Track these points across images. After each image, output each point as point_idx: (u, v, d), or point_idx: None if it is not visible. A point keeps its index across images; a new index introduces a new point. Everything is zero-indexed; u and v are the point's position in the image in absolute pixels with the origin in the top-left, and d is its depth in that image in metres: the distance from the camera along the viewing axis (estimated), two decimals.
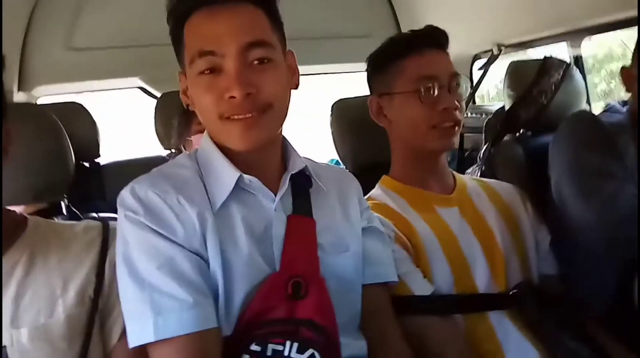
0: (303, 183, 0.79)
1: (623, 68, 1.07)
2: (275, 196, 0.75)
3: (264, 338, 0.67)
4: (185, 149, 1.53)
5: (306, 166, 0.79)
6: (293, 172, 0.78)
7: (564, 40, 1.70)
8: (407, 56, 0.99)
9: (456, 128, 0.99)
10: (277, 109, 0.71)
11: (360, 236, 0.83)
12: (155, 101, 1.85)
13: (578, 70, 1.55)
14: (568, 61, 1.51)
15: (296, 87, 0.77)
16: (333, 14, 1.99)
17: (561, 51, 1.73)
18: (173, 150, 1.66)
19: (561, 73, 1.43)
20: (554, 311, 0.92)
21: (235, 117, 0.68)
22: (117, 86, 2.35)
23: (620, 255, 0.97)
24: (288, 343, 0.66)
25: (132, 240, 0.66)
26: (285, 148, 0.81)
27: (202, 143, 0.79)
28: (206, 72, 0.68)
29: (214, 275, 0.68)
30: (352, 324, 0.79)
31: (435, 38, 1.01)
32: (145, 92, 2.30)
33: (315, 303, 0.71)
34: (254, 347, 0.66)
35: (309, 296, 0.71)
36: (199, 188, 0.72)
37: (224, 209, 0.72)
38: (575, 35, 1.63)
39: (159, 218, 0.67)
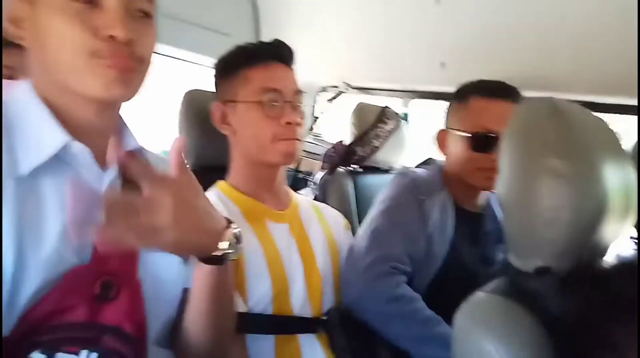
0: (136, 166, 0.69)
1: (441, 131, 1.23)
2: (104, 173, 0.63)
3: (52, 344, 0.54)
4: None
5: (142, 147, 0.70)
6: (127, 149, 0.67)
7: (398, 97, 1.95)
8: (253, 66, 0.99)
9: (297, 144, 1.00)
10: (145, 68, 0.63)
11: None
12: None
13: (406, 124, 1.79)
14: (401, 114, 1.72)
15: None
16: (200, 2, 1.88)
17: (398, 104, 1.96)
18: None
19: (394, 124, 1.63)
20: (361, 338, 0.98)
21: (110, 60, 0.57)
22: None
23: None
24: (84, 352, 0.55)
25: None
26: (121, 121, 0.70)
27: (18, 92, 0.62)
28: (77, 0, 0.56)
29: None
30: (164, 332, 0.71)
31: (282, 53, 1.02)
32: None
33: (126, 308, 0.61)
34: (36, 355, 0.53)
35: (119, 299, 0.61)
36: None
37: (31, 179, 0.57)
38: (405, 94, 1.88)
39: None
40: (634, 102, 1.19)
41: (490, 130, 1.09)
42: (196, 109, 1.21)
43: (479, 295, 0.61)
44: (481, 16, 1.38)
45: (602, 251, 0.67)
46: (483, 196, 1.19)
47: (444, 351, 0.72)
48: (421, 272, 1.10)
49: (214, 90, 1.08)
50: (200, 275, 0.66)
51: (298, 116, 0.99)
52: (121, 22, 0.57)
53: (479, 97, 1.14)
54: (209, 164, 1.21)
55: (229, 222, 0.67)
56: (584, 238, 0.58)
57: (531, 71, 1.31)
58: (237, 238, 0.66)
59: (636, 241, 1.02)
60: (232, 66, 1.02)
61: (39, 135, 0.58)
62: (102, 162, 0.64)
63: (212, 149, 1.21)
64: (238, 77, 1.00)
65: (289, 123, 0.97)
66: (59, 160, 0.59)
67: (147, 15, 0.62)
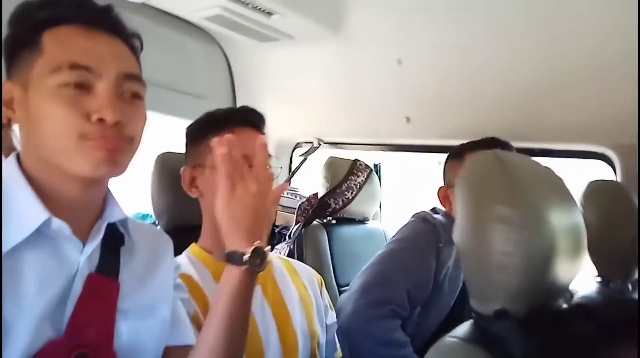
0: (116, 237, 0.71)
1: (440, 188, 1.31)
2: (84, 246, 0.65)
3: None
4: None
5: (126, 218, 0.72)
6: (110, 221, 0.69)
7: (371, 150, 2.02)
8: (220, 132, 0.99)
9: None
10: (135, 147, 0.67)
11: (170, 299, 0.77)
12: None
13: (376, 173, 1.85)
14: (372, 166, 1.79)
15: None
16: (175, 66, 1.96)
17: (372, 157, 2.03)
18: None
19: (365, 176, 1.68)
20: None
21: (99, 142, 0.60)
22: None
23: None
24: None
25: None
26: (107, 192, 0.73)
27: (3, 169, 0.64)
28: (70, 86, 0.60)
29: None
30: None
31: (250, 118, 1.05)
32: None
33: None
34: None
35: None
36: None
37: (13, 254, 0.58)
38: (378, 147, 1.95)
39: None
40: (594, 148, 1.28)
41: None
42: (168, 171, 1.23)
43: (445, 340, 0.63)
44: (438, 74, 1.48)
45: (559, 292, 0.70)
46: None
47: None
48: (430, 315, 1.16)
49: None
50: (227, 276, 0.70)
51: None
52: (111, 106, 0.61)
53: (472, 153, 1.22)
54: (183, 225, 1.22)
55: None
56: (536, 281, 0.61)
57: (490, 122, 1.40)
58: (264, 252, 0.71)
59: (600, 281, 1.06)
60: (200, 132, 1.04)
61: (20, 213, 0.60)
62: (84, 235, 0.66)
63: (185, 210, 1.22)
64: (206, 143, 1.00)
65: None
66: (39, 234, 0.60)
67: (137, 97, 0.66)
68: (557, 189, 0.70)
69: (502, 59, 1.32)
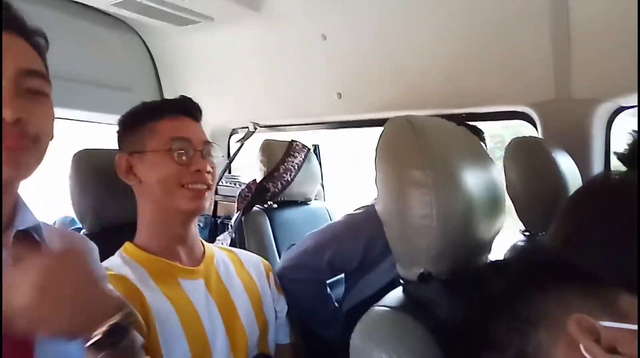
0: (27, 245, 0.65)
1: None
2: None
3: None
4: None
5: (39, 224, 0.66)
6: (21, 228, 0.63)
7: (307, 129, 2.01)
8: (161, 118, 0.99)
9: (207, 191, 0.99)
10: (42, 147, 0.61)
11: None
12: None
13: (316, 155, 1.84)
14: (310, 146, 1.77)
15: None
16: (94, 60, 1.84)
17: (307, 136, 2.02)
18: None
19: (303, 156, 1.66)
20: None
21: None
22: None
23: None
24: None
25: None
26: (17, 198, 0.66)
27: None
28: None
29: None
30: None
31: (188, 107, 1.03)
32: None
33: None
34: None
35: None
36: None
37: None
38: (314, 126, 1.94)
39: None
40: (515, 108, 1.33)
41: None
42: (89, 169, 1.15)
43: (373, 310, 0.63)
44: (363, 49, 1.48)
45: (482, 250, 0.72)
46: None
47: None
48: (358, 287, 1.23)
49: (116, 146, 1.04)
50: None
51: (208, 164, 0.98)
52: (9, 103, 0.56)
53: None
54: (112, 225, 1.15)
55: (122, 308, 0.60)
56: (456, 241, 0.62)
57: (415, 93, 1.42)
58: (122, 326, 0.59)
59: (527, 234, 1.12)
60: (138, 119, 1.01)
61: None
62: None
63: (112, 208, 1.16)
64: (145, 129, 0.99)
65: (198, 171, 0.96)
66: None
67: (41, 94, 0.61)
68: (472, 149, 0.71)
69: (423, 30, 1.34)
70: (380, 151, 0.66)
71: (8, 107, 0.56)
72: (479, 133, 1.30)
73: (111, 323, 0.58)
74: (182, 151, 0.96)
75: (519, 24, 1.15)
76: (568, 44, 1.15)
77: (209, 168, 0.99)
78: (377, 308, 0.62)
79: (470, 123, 1.30)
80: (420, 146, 0.62)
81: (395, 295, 0.66)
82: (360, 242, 1.21)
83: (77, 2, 1.53)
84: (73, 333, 0.57)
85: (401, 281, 0.68)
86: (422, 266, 0.62)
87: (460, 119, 1.36)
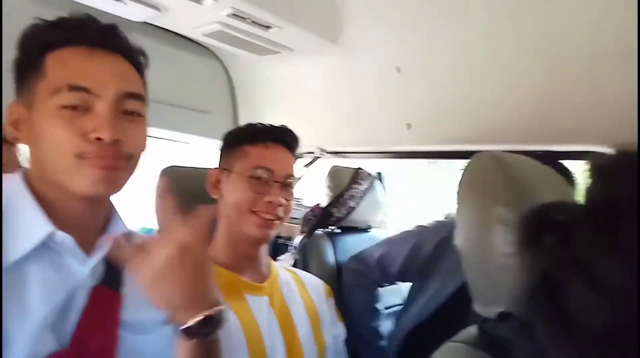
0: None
1: None
2: (89, 259, 0.66)
3: None
4: None
5: (130, 231, 0.73)
6: (115, 234, 0.70)
7: (373, 158, 2.02)
8: (255, 143, 1.05)
9: (274, 223, 1.02)
10: (134, 165, 0.68)
11: None
12: None
13: (381, 183, 1.85)
14: (375, 174, 1.79)
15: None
16: (177, 83, 1.99)
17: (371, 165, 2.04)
18: None
19: (368, 184, 1.68)
20: None
21: (96, 161, 0.62)
22: None
23: None
24: None
25: None
26: (110, 207, 0.74)
27: (9, 184, 0.66)
28: (69, 107, 0.62)
29: None
30: None
31: (283, 136, 1.08)
32: None
33: None
34: None
35: None
36: None
37: (17, 266, 0.60)
38: (380, 155, 1.96)
39: None
40: (594, 148, 1.28)
41: None
42: (174, 184, 1.24)
43: (448, 345, 0.62)
44: (437, 81, 1.49)
45: None
46: None
47: None
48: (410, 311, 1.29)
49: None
50: (179, 348, 0.66)
51: (283, 197, 1.02)
52: (108, 126, 0.62)
53: None
54: None
55: (218, 304, 0.66)
56: None
57: (490, 127, 1.40)
58: (216, 320, 0.65)
59: None
60: (236, 139, 1.08)
61: (25, 226, 0.62)
62: (88, 248, 0.67)
63: None
64: (239, 151, 1.05)
65: (270, 202, 1.00)
66: (44, 246, 0.62)
67: (137, 114, 0.67)
68: (557, 187, 0.70)
69: (500, 65, 1.33)
70: (465, 185, 0.67)
71: (106, 129, 0.62)
72: (567, 173, 1.24)
73: (208, 313, 0.63)
74: (260, 180, 1.01)
75: (606, 63, 1.11)
76: None
77: (282, 201, 1.01)
78: (454, 344, 0.62)
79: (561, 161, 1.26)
80: (507, 183, 0.62)
81: (471, 332, 0.66)
82: (408, 244, 1.33)
83: (168, 30, 1.68)
84: (176, 310, 0.63)
85: (476, 318, 0.68)
86: (502, 305, 0.62)
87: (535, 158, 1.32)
